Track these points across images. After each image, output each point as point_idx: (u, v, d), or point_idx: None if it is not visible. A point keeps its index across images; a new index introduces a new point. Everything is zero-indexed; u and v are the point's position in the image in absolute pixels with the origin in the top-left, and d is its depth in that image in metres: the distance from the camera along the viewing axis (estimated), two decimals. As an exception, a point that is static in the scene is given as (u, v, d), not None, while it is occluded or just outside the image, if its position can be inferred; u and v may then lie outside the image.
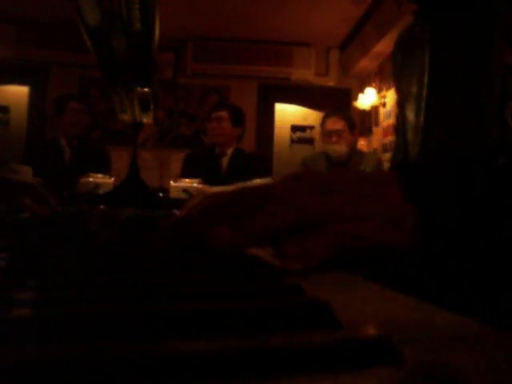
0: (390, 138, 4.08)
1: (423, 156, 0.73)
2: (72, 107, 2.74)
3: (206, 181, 2.15)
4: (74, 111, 2.72)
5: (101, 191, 1.96)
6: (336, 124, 2.79)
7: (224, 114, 2.64)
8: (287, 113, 4.86)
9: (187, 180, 2.16)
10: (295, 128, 4.89)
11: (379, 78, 4.39)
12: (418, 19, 0.80)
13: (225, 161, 2.66)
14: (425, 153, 0.73)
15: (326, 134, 2.81)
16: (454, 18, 0.73)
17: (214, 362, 0.13)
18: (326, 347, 0.13)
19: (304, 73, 4.63)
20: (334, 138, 2.74)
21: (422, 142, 0.74)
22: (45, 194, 0.98)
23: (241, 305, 0.18)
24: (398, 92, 0.87)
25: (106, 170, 2.30)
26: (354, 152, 2.85)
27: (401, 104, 0.84)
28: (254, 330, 0.17)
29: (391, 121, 4.11)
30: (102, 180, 2.06)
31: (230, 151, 2.66)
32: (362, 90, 4.50)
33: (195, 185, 2.07)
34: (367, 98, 4.35)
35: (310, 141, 4.87)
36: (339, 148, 2.73)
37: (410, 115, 0.78)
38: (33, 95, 4.46)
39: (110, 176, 2.16)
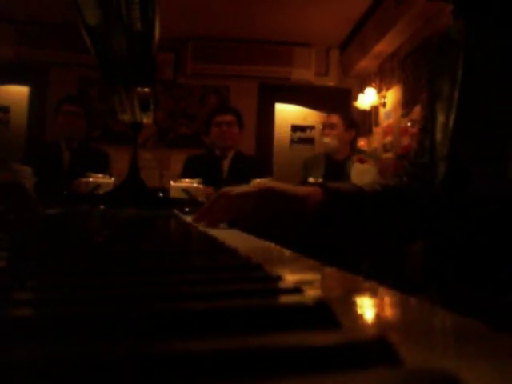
0: (390, 138, 4.08)
1: (451, 156, 0.73)
2: (65, 109, 2.72)
3: (208, 183, 2.15)
4: (66, 113, 2.70)
5: (101, 191, 1.96)
6: (331, 119, 2.93)
7: (232, 117, 2.66)
8: (287, 113, 4.86)
9: (187, 180, 2.16)
10: (295, 128, 4.89)
11: (379, 78, 4.39)
12: (455, 19, 0.79)
13: (226, 163, 2.66)
14: (453, 155, 0.72)
15: (323, 128, 2.98)
16: (489, 18, 0.72)
17: (214, 362, 0.13)
18: (325, 347, 0.13)
19: (304, 73, 4.63)
20: (327, 131, 2.88)
21: (451, 144, 0.73)
22: (29, 196, 1.01)
23: (240, 305, 0.18)
24: (430, 92, 0.85)
25: (104, 173, 2.28)
26: (353, 152, 2.88)
27: (431, 105, 0.82)
28: (252, 330, 0.17)
29: (391, 121, 4.11)
30: (102, 180, 2.06)
31: (230, 154, 2.67)
32: (362, 90, 4.50)
33: (195, 185, 2.07)
34: (367, 98, 4.35)
35: (310, 141, 4.87)
36: (329, 140, 2.82)
37: (441, 116, 0.77)
38: (33, 95, 4.46)
39: (110, 176, 2.16)
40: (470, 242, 0.68)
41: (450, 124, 0.74)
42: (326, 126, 2.89)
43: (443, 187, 0.74)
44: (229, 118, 2.66)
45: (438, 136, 0.77)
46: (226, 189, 0.78)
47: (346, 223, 0.78)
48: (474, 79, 0.73)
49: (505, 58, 0.68)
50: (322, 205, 0.76)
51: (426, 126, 0.86)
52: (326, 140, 2.85)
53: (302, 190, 0.79)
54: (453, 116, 0.74)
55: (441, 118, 0.77)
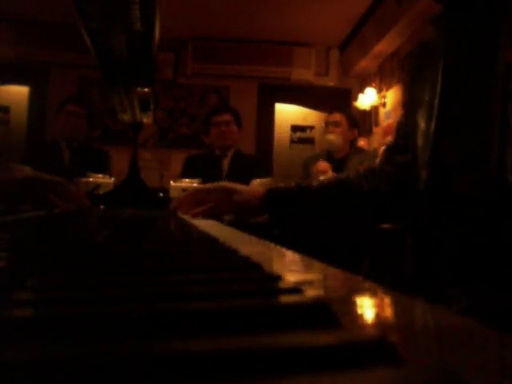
0: (390, 138, 4.08)
1: (432, 161, 0.76)
2: (68, 109, 2.72)
3: (208, 183, 2.15)
4: (69, 114, 2.70)
5: (101, 191, 1.96)
6: (335, 116, 2.91)
7: (230, 117, 2.66)
8: (287, 113, 4.86)
9: (187, 180, 2.16)
10: (295, 128, 4.88)
11: (379, 78, 4.39)
12: (434, 27, 0.82)
13: (225, 163, 2.66)
14: (434, 161, 0.75)
15: (326, 125, 2.95)
16: (465, 23, 0.74)
17: (213, 362, 0.13)
18: (325, 347, 0.13)
19: (304, 73, 4.63)
20: (331, 128, 2.86)
21: (432, 150, 0.76)
22: (72, 191, 1.13)
23: (240, 304, 0.18)
24: (409, 100, 0.88)
25: (104, 172, 2.28)
26: (353, 151, 2.88)
27: (410, 112, 0.85)
28: (253, 330, 0.17)
29: (391, 121, 4.11)
30: (102, 180, 2.06)
31: (230, 153, 2.67)
32: (362, 90, 4.50)
33: (195, 185, 2.07)
34: (367, 98, 4.35)
35: (310, 141, 4.87)
36: (333, 137, 2.81)
37: (422, 123, 0.80)
38: (33, 95, 4.46)
39: (110, 176, 2.16)
40: (462, 243, 0.70)
41: (431, 131, 0.76)
42: (330, 124, 2.88)
43: (427, 191, 0.76)
44: (227, 117, 2.67)
45: (420, 142, 0.80)
46: (195, 187, 1.06)
47: (286, 215, 0.94)
48: (453, 87, 0.74)
49: (483, 66, 0.70)
50: (263, 200, 0.94)
51: (400, 131, 0.91)
52: (331, 137, 2.83)
53: (248, 187, 1.03)
54: (433, 123, 0.76)
55: (421, 125, 0.80)
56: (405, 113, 0.90)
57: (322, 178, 2.71)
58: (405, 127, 0.89)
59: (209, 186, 1.03)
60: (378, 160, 1.01)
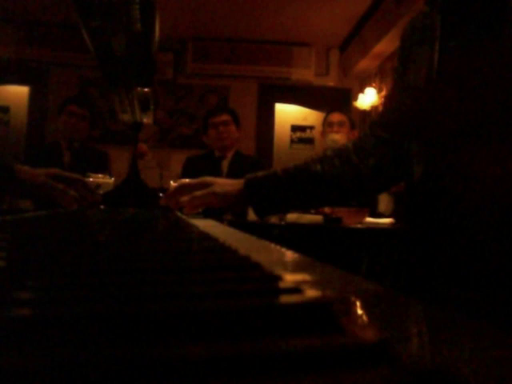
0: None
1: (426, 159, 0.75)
2: (70, 110, 2.72)
3: None
4: (70, 114, 2.71)
5: (101, 191, 1.96)
6: (339, 117, 2.92)
7: (228, 117, 2.66)
8: (287, 113, 4.86)
9: (187, 180, 2.15)
10: (295, 128, 4.89)
11: (379, 78, 4.39)
12: (429, 8, 0.79)
13: (225, 164, 2.66)
14: (428, 155, 0.74)
15: (328, 125, 2.92)
16: (465, 10, 0.72)
17: (213, 364, 0.13)
18: (325, 349, 0.13)
19: (304, 73, 4.63)
20: (336, 128, 2.86)
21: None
22: (90, 187, 1.25)
23: (239, 304, 0.18)
24: (401, 82, 0.86)
25: (104, 172, 2.28)
26: None
27: (403, 96, 0.83)
28: (252, 331, 0.17)
29: (391, 121, 4.11)
30: (102, 180, 2.06)
31: (230, 154, 2.67)
32: (362, 90, 4.50)
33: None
34: (367, 98, 4.35)
35: (310, 141, 4.87)
36: (339, 137, 2.82)
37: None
38: (33, 95, 4.46)
39: (110, 176, 2.16)
40: (458, 241, 0.69)
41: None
42: (335, 124, 2.88)
43: (420, 188, 0.75)
44: (225, 117, 2.67)
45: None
46: (182, 181, 1.08)
47: (265, 202, 1.00)
48: (450, 74, 0.72)
49: (479, 51, 0.68)
50: (242, 189, 1.01)
51: (387, 108, 0.91)
52: (336, 137, 2.84)
53: (229, 180, 1.11)
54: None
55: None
56: (395, 97, 0.90)
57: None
58: (394, 105, 0.91)
59: (192, 180, 1.15)
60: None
